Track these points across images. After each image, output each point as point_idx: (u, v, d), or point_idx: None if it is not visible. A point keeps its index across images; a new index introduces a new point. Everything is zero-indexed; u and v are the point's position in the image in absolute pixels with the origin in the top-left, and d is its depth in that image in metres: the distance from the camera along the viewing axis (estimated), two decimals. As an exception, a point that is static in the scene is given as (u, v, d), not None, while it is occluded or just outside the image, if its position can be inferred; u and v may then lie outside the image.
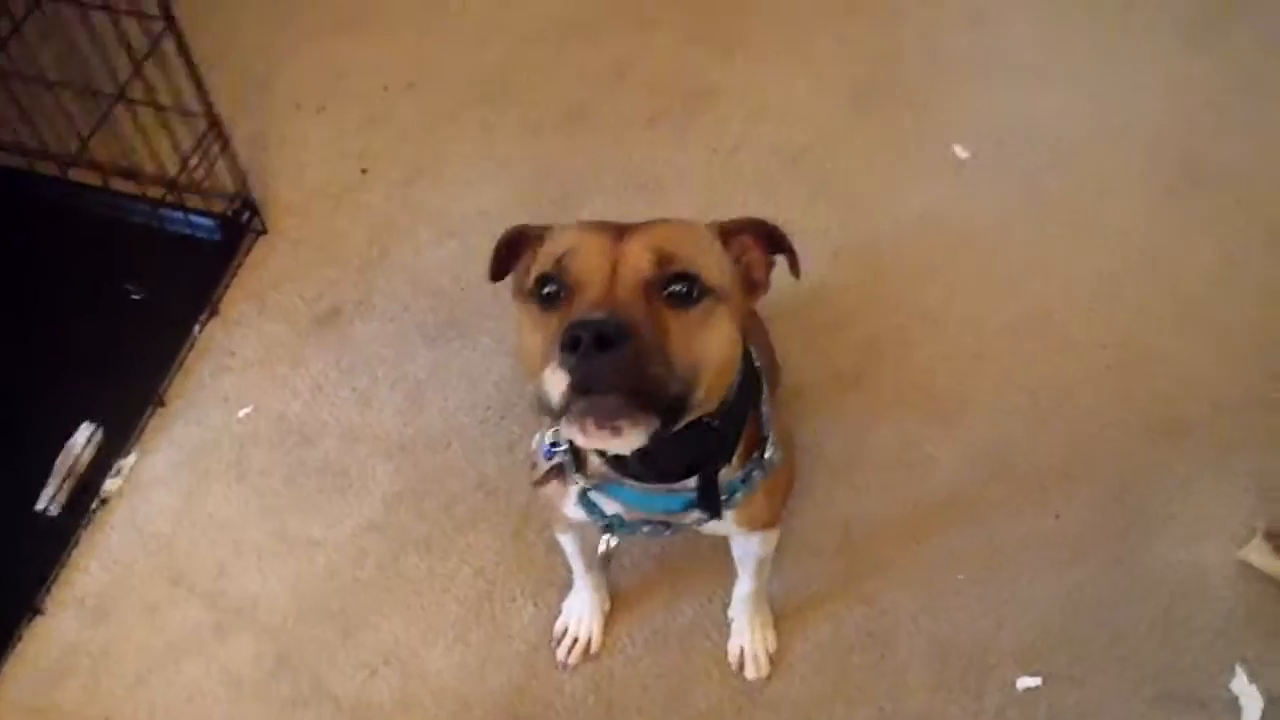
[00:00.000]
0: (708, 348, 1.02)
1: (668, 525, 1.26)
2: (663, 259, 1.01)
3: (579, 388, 0.93)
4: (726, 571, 1.70)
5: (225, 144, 2.04)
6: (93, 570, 1.80)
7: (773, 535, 1.49)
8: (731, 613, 1.69)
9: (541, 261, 1.08)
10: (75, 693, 1.69)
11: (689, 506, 1.20)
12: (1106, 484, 1.81)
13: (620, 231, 1.05)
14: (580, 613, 1.68)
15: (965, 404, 1.89)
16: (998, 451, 1.84)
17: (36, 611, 1.76)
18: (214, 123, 2.00)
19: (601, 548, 1.33)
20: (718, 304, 1.04)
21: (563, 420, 0.96)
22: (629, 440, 0.96)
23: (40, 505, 1.81)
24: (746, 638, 1.66)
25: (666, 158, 2.23)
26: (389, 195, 2.21)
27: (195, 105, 1.95)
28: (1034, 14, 2.45)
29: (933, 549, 1.75)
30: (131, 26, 1.80)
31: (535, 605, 1.72)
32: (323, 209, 2.19)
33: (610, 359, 0.92)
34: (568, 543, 1.55)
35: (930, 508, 1.79)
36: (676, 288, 1.01)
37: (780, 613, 1.70)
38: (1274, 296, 1.99)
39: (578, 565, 1.61)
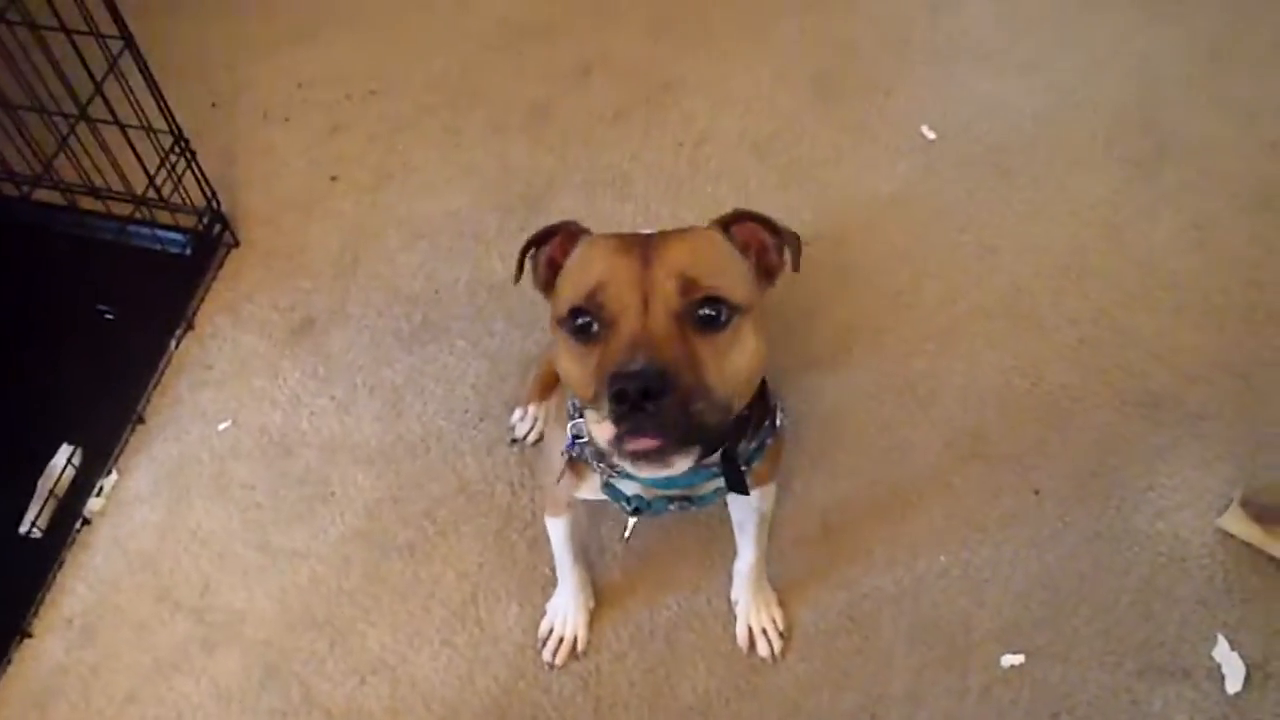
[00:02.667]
0: (739, 366, 1.09)
1: (689, 499, 1.31)
2: (689, 286, 1.07)
3: (629, 433, 1.00)
4: (709, 564, 1.71)
5: (192, 158, 2.03)
6: (79, 591, 1.80)
7: (771, 489, 1.53)
8: (735, 594, 1.70)
9: (572, 291, 1.12)
10: (66, 713, 1.69)
11: (709, 478, 1.25)
12: (1083, 459, 1.82)
13: (645, 253, 1.10)
14: (565, 612, 1.69)
15: (940, 385, 1.90)
16: (974, 431, 1.85)
17: (25, 635, 1.76)
18: (179, 138, 1.99)
19: (626, 532, 1.42)
20: (744, 319, 1.10)
21: (615, 456, 1.04)
22: (678, 468, 1.04)
23: (24, 528, 1.81)
24: (754, 617, 1.68)
25: (633, 152, 2.23)
26: (358, 202, 2.21)
27: (159, 121, 1.95)
28: (994, -6, 2.47)
29: (913, 531, 1.76)
30: (90, 46, 1.79)
31: (520, 606, 1.73)
32: (293, 219, 2.19)
33: (655, 409, 0.99)
34: (557, 530, 1.57)
35: (909, 490, 1.80)
36: (706, 312, 1.07)
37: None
38: (1242, 265, 2.01)
39: (565, 557, 1.62)
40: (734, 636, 1.68)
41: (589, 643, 1.69)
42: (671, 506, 1.32)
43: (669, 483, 1.27)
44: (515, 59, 2.41)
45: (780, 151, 2.22)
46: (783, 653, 1.67)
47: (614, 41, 2.42)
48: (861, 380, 1.92)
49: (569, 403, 1.27)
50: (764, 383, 1.27)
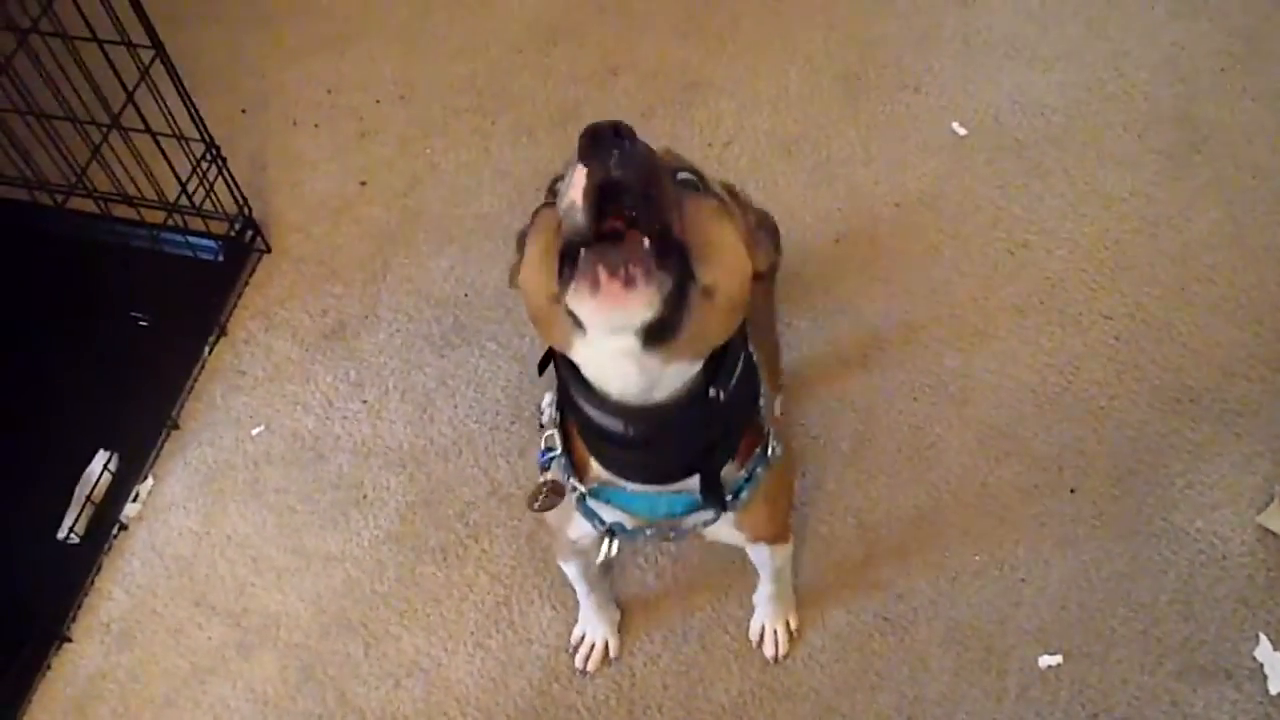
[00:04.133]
0: (717, 234, 0.96)
1: (672, 530, 1.25)
2: (671, 156, 0.98)
3: (596, 192, 0.87)
4: (740, 566, 1.70)
5: (223, 165, 2.05)
6: (116, 596, 1.82)
7: (784, 549, 1.50)
8: (756, 599, 1.70)
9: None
10: (105, 718, 1.71)
11: (691, 509, 1.18)
12: (1120, 457, 1.80)
13: None
14: (594, 621, 1.69)
15: (973, 383, 1.89)
16: (1008, 429, 1.84)
17: (64, 640, 1.78)
18: (211, 145, 2.01)
19: (601, 556, 1.28)
20: (727, 213, 0.99)
21: (574, 278, 0.88)
22: (640, 298, 0.87)
23: (61, 534, 1.83)
24: (769, 616, 1.68)
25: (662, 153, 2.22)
26: (388, 206, 2.22)
27: (191, 129, 1.96)
28: (1023, -12, 2.44)
29: (947, 531, 1.75)
30: (121, 55, 1.81)
31: (554, 608, 1.73)
32: (324, 224, 2.20)
33: (629, 147, 0.86)
34: (571, 570, 1.56)
35: (943, 490, 1.79)
36: (686, 175, 0.97)
37: (799, 602, 1.70)
38: (1279, 258, 1.98)
39: (581, 589, 1.62)
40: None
41: (622, 646, 1.69)
42: (649, 533, 1.25)
43: (651, 507, 1.19)
44: (543, 61, 2.41)
45: (809, 151, 2.20)
46: (786, 656, 1.67)
47: (641, 42, 2.42)
48: (894, 379, 1.90)
49: (541, 413, 1.21)
50: (757, 408, 1.19)
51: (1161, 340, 1.91)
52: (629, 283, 0.86)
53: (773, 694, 1.64)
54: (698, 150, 2.22)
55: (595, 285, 0.87)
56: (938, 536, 1.75)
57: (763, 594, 1.66)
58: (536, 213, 1.03)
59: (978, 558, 1.72)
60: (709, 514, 1.20)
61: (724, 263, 0.95)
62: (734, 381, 1.07)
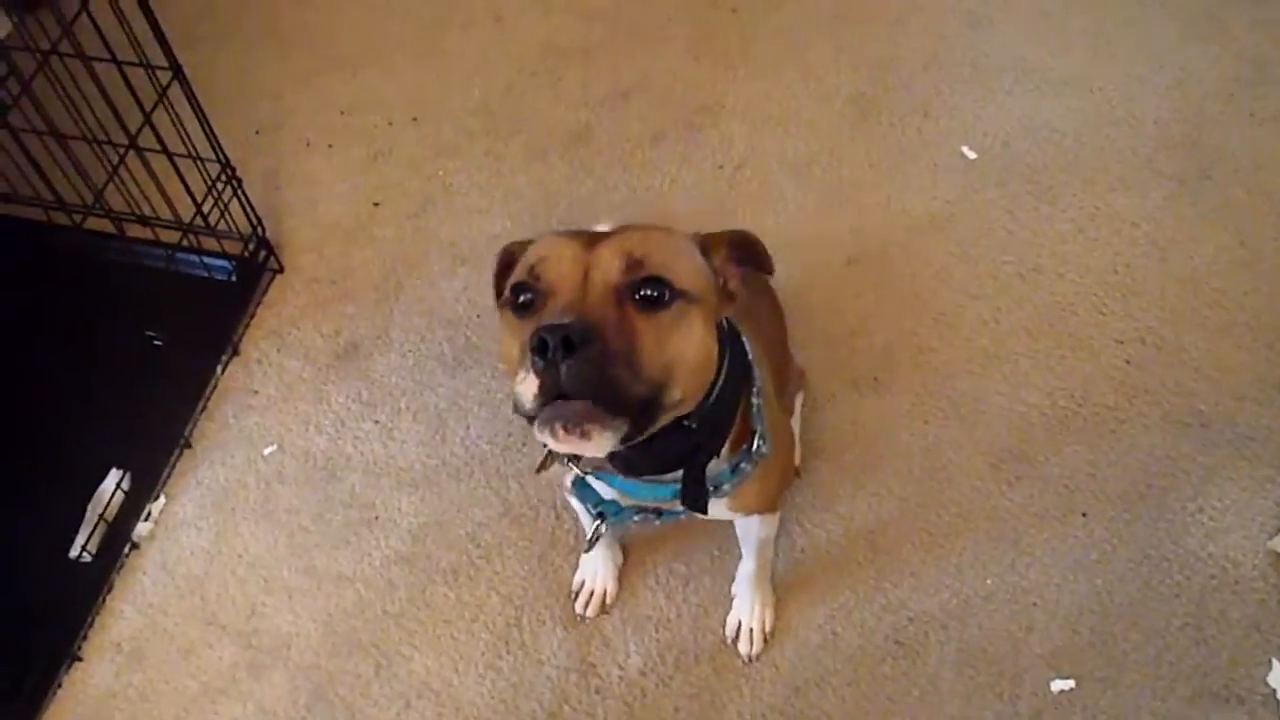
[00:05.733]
0: (680, 349, 1.03)
1: (659, 513, 1.30)
2: (632, 264, 1.03)
3: (547, 391, 0.96)
4: (753, 587, 1.70)
5: (238, 186, 2.06)
6: (127, 615, 1.82)
7: (771, 519, 1.52)
8: (735, 589, 1.71)
9: (518, 271, 1.10)
10: (116, 738, 1.71)
11: (678, 495, 1.22)
12: (1131, 480, 1.80)
13: (594, 239, 1.07)
14: (595, 568, 1.73)
15: (984, 406, 1.89)
16: (1019, 452, 1.84)
17: (75, 659, 1.78)
18: (226, 166, 2.02)
19: (589, 533, 1.36)
20: (690, 306, 1.05)
21: (535, 425, 0.99)
22: (598, 444, 0.98)
23: (74, 553, 1.84)
24: (745, 613, 1.69)
25: (673, 175, 2.24)
26: (400, 227, 2.23)
27: (206, 150, 1.98)
28: (1032, 14, 2.45)
29: (958, 554, 1.75)
30: (139, 76, 1.83)
31: (564, 629, 1.73)
32: (337, 244, 2.21)
33: (576, 361, 0.95)
34: (578, 504, 1.56)
35: (954, 513, 1.79)
36: (647, 291, 1.03)
37: (809, 625, 1.71)
38: (1290, 283, 1.99)
39: (587, 521, 1.62)
40: (780, 660, 1.68)
41: (639, 668, 1.69)
42: (636, 518, 1.31)
43: (638, 492, 1.24)
44: (554, 83, 2.42)
45: (819, 173, 2.22)
46: (759, 656, 1.68)
47: (653, 65, 2.43)
48: (904, 402, 1.91)
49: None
50: (746, 400, 1.24)
51: (1172, 364, 1.91)
52: (584, 435, 0.97)
53: (784, 717, 1.64)
54: (708, 173, 2.23)
55: (555, 436, 0.98)
56: (949, 560, 1.75)
57: (742, 574, 1.67)
58: (502, 257, 1.22)
59: (989, 581, 1.72)
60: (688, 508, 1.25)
61: (685, 371, 1.04)
62: (713, 398, 1.13)
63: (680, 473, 1.18)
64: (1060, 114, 2.26)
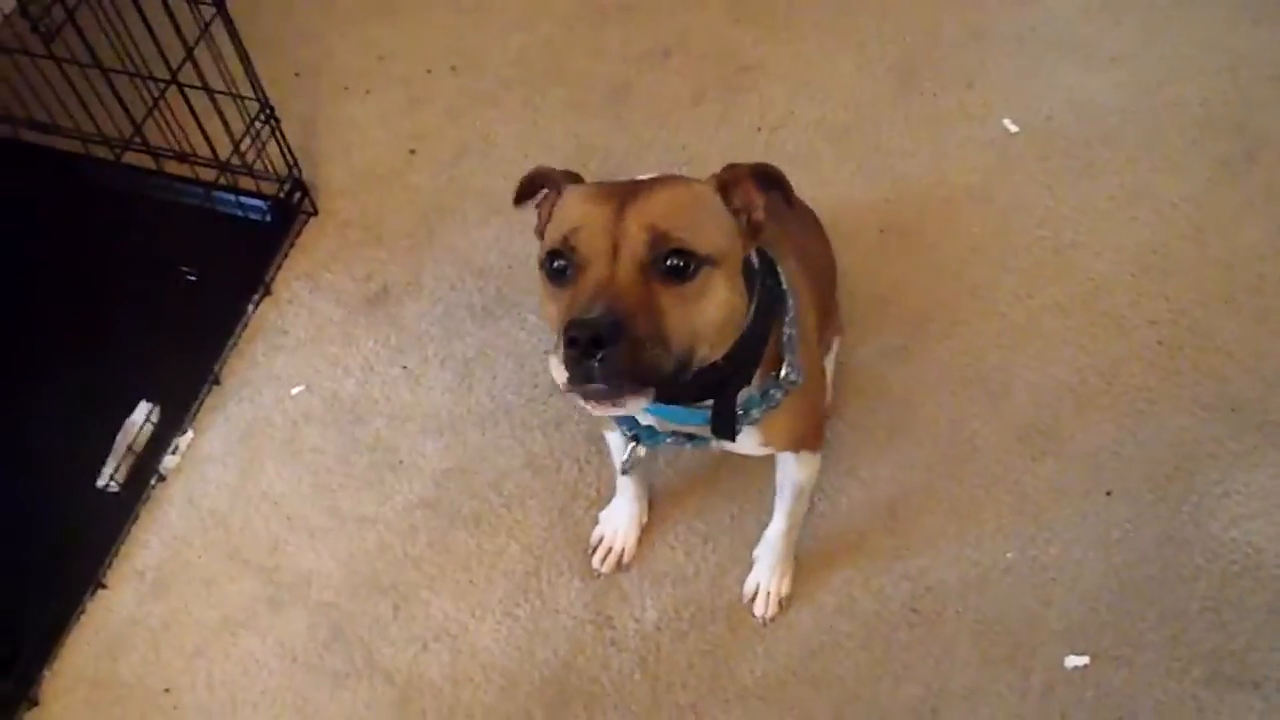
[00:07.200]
0: (705, 317, 1.10)
1: (691, 438, 1.33)
2: (657, 238, 1.08)
3: (580, 377, 1.03)
4: (772, 548, 1.70)
5: (276, 126, 2.06)
6: (152, 545, 1.84)
7: (812, 458, 1.53)
8: (757, 552, 1.72)
9: (551, 235, 1.15)
10: (136, 664, 1.74)
11: (707, 422, 1.26)
12: (1158, 462, 1.79)
13: (622, 201, 1.11)
14: (617, 525, 1.74)
15: (1013, 380, 1.88)
16: (1046, 428, 1.83)
17: (99, 585, 1.80)
18: (265, 106, 2.02)
19: (625, 455, 1.41)
20: (714, 270, 1.11)
21: (570, 395, 1.06)
22: (631, 409, 1.08)
23: (101, 482, 1.86)
24: (765, 577, 1.70)
25: (711, 135, 2.23)
26: (436, 175, 2.23)
27: (246, 89, 1.98)
28: (1083, -14, 2.42)
29: (980, 526, 1.75)
30: (183, 12, 1.83)
31: (582, 581, 1.74)
32: (372, 190, 2.22)
33: (605, 357, 1.01)
34: (614, 440, 1.60)
35: (978, 485, 1.79)
36: (673, 262, 1.08)
37: (826, 588, 1.71)
38: (1330, 271, 1.96)
39: (619, 454, 1.64)
40: (796, 623, 1.69)
41: (656, 621, 1.70)
42: (669, 440, 1.35)
43: (671, 416, 1.29)
44: (596, 38, 2.41)
45: (858, 140, 2.20)
46: (772, 619, 1.69)
47: (694, 24, 2.41)
48: (934, 372, 1.90)
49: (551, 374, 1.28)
50: (771, 333, 1.27)
51: (1205, 348, 1.89)
52: (617, 406, 1.06)
53: (797, 678, 1.64)
54: (746, 134, 2.22)
55: (588, 407, 1.07)
56: (970, 531, 1.74)
57: (769, 535, 1.68)
58: (532, 181, 1.26)
59: (1009, 555, 1.72)
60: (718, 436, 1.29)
61: (712, 332, 1.12)
62: (743, 332, 1.19)
63: (711, 400, 1.23)
64: (1105, 91, 2.23)
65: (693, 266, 1.09)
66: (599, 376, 1.02)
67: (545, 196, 1.26)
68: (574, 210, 1.14)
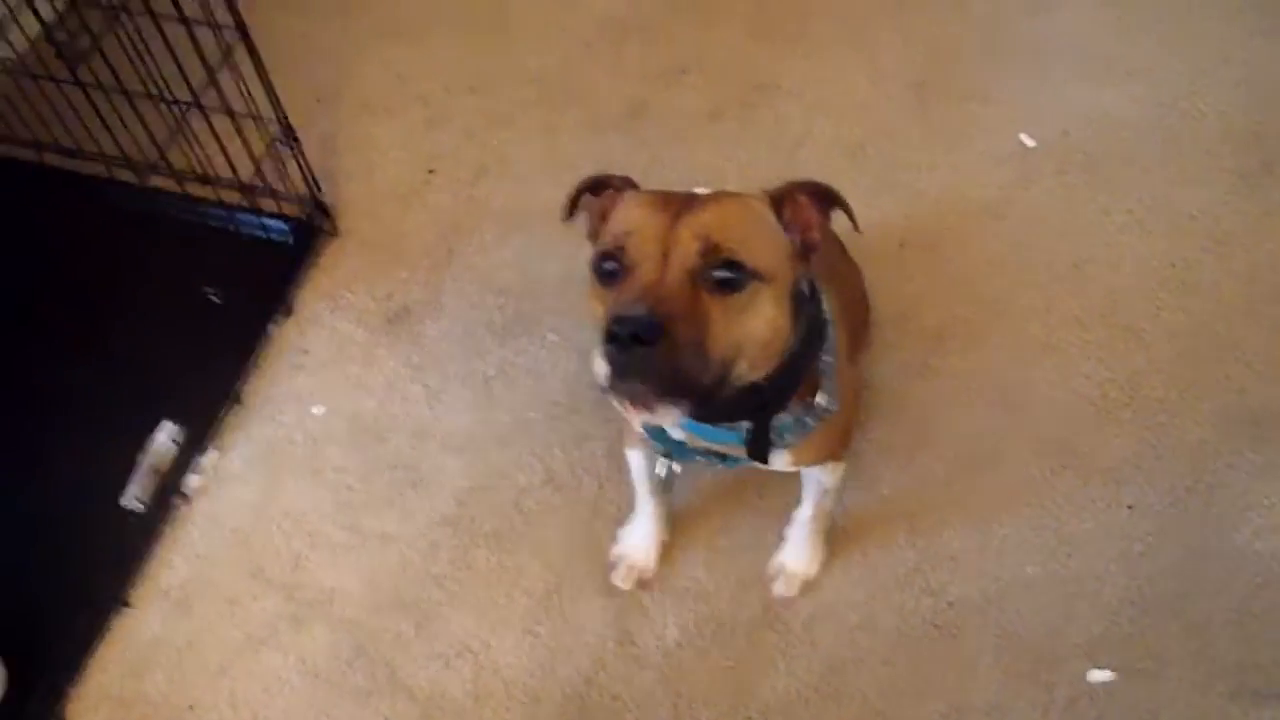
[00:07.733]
0: (750, 330, 1.11)
1: (724, 457, 1.34)
2: (709, 248, 1.09)
3: (618, 375, 1.04)
4: (793, 564, 1.70)
5: (297, 147, 2.08)
6: (176, 564, 1.85)
7: (837, 467, 1.54)
8: (788, 531, 1.72)
9: (605, 237, 1.16)
10: (160, 683, 1.74)
11: (741, 441, 1.28)
12: (1180, 475, 1.78)
13: (678, 210, 1.13)
14: (638, 542, 1.75)
15: (1032, 395, 1.88)
16: (1066, 442, 1.83)
17: (124, 604, 1.81)
18: (286, 128, 2.04)
19: (660, 471, 1.42)
20: (763, 286, 1.11)
21: (609, 393, 1.08)
22: (664, 419, 1.09)
23: (125, 501, 1.87)
24: (791, 557, 1.71)
25: (729, 153, 2.24)
26: (455, 195, 2.24)
27: (267, 111, 2.00)
28: (1096, 2, 2.42)
29: (1001, 541, 1.75)
30: (205, 36, 1.85)
31: (604, 598, 1.75)
32: (391, 210, 2.23)
33: (644, 355, 1.02)
34: (635, 460, 1.61)
35: (998, 499, 1.78)
36: (722, 274, 1.09)
37: (847, 604, 1.71)
38: (1352, 283, 1.95)
39: (641, 487, 1.66)
40: (818, 638, 1.69)
41: (677, 637, 1.70)
42: (699, 459, 1.35)
43: (705, 434, 1.30)
44: (613, 57, 2.43)
45: (875, 156, 2.21)
46: (792, 601, 1.70)
47: (712, 42, 2.43)
48: (953, 387, 1.90)
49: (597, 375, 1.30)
50: (812, 361, 1.27)
51: (1226, 360, 1.89)
52: (651, 411, 1.06)
53: (819, 695, 1.64)
54: (764, 152, 2.23)
55: (624, 407, 1.07)
56: (991, 546, 1.74)
57: (798, 519, 1.68)
58: (590, 184, 1.28)
59: (1030, 569, 1.72)
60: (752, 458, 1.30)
61: (754, 349, 1.12)
62: (786, 357, 1.19)
63: (747, 422, 1.24)
64: (1122, 104, 2.24)
65: (742, 280, 1.09)
66: (636, 374, 1.03)
67: (606, 196, 1.26)
68: (630, 215, 1.16)
